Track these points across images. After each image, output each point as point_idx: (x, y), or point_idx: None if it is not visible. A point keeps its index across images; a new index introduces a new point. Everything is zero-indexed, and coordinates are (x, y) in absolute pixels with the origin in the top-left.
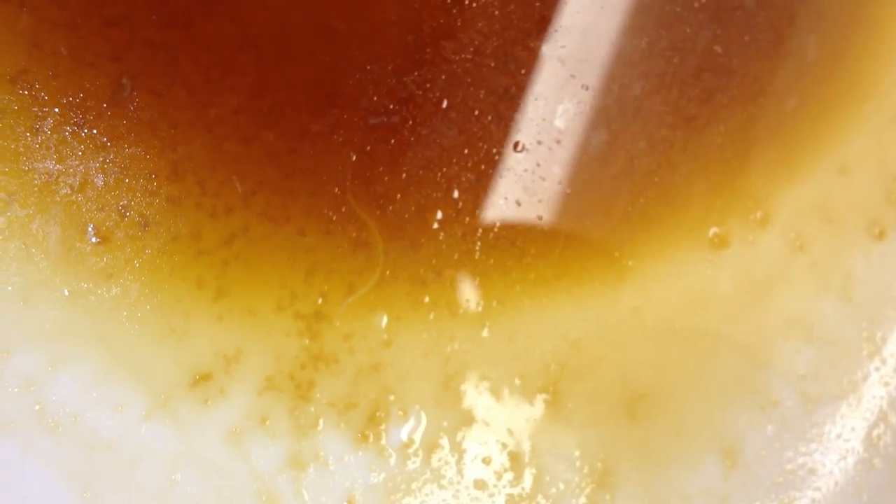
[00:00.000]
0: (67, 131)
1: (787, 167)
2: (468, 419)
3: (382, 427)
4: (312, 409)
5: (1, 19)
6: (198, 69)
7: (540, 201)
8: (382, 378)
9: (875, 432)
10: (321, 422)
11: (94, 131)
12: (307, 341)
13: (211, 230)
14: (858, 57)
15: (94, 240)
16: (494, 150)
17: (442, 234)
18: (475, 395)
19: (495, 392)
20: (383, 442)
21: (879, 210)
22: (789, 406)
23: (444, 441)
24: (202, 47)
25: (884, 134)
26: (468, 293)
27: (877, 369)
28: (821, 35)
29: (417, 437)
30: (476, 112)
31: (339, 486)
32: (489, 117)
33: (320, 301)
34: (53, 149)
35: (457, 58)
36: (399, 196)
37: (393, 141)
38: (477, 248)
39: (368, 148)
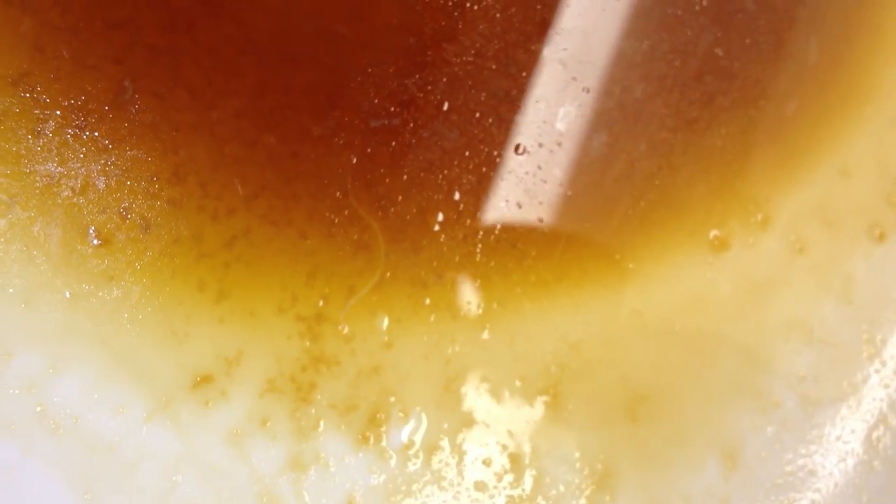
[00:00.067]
0: (69, 134)
1: (787, 170)
2: (469, 421)
3: (383, 429)
4: (313, 410)
5: (3, 22)
6: (200, 72)
7: (541, 204)
8: (383, 380)
9: (875, 434)
10: (322, 423)
11: (96, 134)
12: (308, 343)
13: (212, 233)
14: (859, 60)
15: (95, 242)
16: (495, 153)
17: (443, 236)
18: (476, 397)
19: (496, 394)
20: (384, 444)
21: (880, 212)
22: (789, 408)
23: (445, 443)
24: (204, 50)
25: (884, 136)
26: (469, 295)
27: (877, 371)
28: (822, 38)
29: (418, 438)
30: (477, 114)
31: (339, 487)
32: (490, 120)
33: (321, 303)
34: (55, 151)
35: (458, 60)
36: (400, 198)
37: (394, 143)
38: (478, 250)
39: (370, 150)
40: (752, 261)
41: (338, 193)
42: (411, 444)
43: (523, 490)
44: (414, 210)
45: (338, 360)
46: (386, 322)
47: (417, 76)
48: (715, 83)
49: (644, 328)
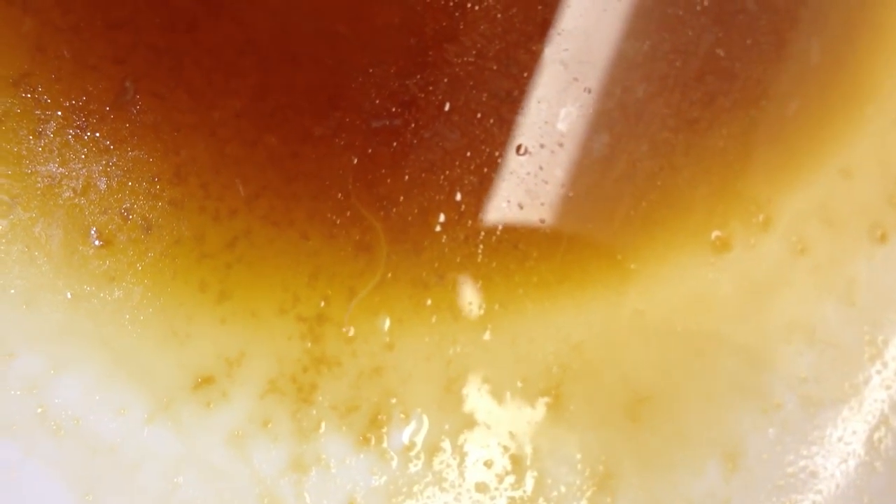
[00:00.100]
0: (70, 134)
1: (789, 170)
2: (470, 422)
3: (384, 430)
4: (314, 412)
5: (4, 22)
6: (201, 72)
7: (542, 204)
8: (384, 381)
9: (876, 435)
10: (323, 425)
11: (97, 134)
12: (309, 344)
13: (214, 233)
14: (861, 60)
15: (96, 243)
16: (497, 153)
17: (444, 237)
18: (477, 398)
19: (497, 395)
20: (385, 445)
21: (882, 213)
22: (791, 409)
23: (446, 444)
24: (205, 51)
25: (886, 137)
26: (471, 296)
27: (878, 372)
28: (823, 38)
29: (419, 440)
30: (478, 115)
31: (340, 488)
32: (491, 120)
33: (323, 304)
34: (56, 152)
35: (459, 61)
36: (402, 199)
37: (395, 144)
38: (479, 251)
39: (371, 151)
40: (754, 261)
41: (339, 194)
42: (412, 445)
43: (524, 491)
44: (415, 211)
45: (339, 361)
46: (387, 323)
47: (419, 76)
48: (716, 83)
49: (646, 329)
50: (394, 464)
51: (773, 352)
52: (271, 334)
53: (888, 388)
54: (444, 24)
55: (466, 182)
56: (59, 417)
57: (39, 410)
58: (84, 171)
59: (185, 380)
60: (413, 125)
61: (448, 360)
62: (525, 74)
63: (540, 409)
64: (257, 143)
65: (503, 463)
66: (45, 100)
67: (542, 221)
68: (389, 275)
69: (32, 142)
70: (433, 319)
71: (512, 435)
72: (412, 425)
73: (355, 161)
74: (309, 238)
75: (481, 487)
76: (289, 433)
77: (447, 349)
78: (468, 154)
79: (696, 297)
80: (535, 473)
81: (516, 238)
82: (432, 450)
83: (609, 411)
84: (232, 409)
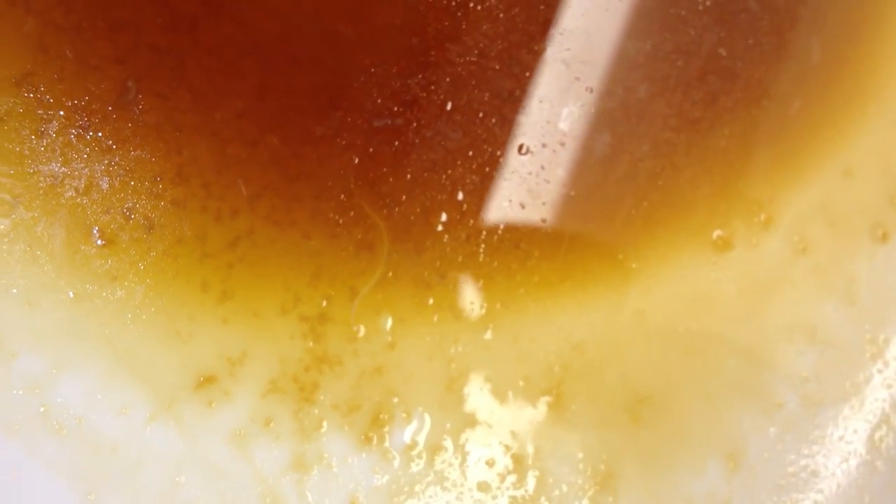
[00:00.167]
0: (73, 134)
1: (790, 170)
2: (471, 421)
3: (386, 429)
4: (316, 411)
5: (6, 22)
6: (203, 73)
7: (544, 204)
8: (386, 380)
9: (877, 435)
10: (325, 424)
11: (100, 134)
12: (311, 344)
13: (216, 233)
14: (862, 59)
15: (99, 242)
16: (499, 153)
17: (446, 236)
18: (479, 398)
19: (499, 394)
20: (387, 444)
21: (883, 213)
22: (792, 408)
23: (448, 443)
24: (207, 51)
25: (888, 136)
26: (472, 296)
27: (879, 372)
28: (825, 38)
29: (421, 439)
30: (480, 114)
31: (342, 488)
32: (493, 120)
33: (324, 304)
34: (59, 151)
35: (461, 60)
36: (404, 198)
37: (397, 143)
38: (481, 250)
39: (372, 150)
40: (756, 261)
41: (342, 195)
42: (414, 444)
43: (526, 491)
44: (417, 210)
45: (341, 361)
46: (389, 322)
47: (420, 76)
48: (718, 83)
49: (647, 328)
50: (396, 463)
51: (774, 351)
52: (273, 334)
53: (889, 387)
54: (446, 23)
55: (468, 181)
56: (61, 417)
57: (41, 410)
58: (86, 170)
59: (187, 379)
60: (415, 124)
61: (450, 359)
62: (527, 74)
63: (541, 408)
64: (259, 143)
65: (505, 462)
66: (48, 99)
67: (544, 221)
68: (391, 274)
69: (35, 141)
70: (435, 318)
71: (513, 434)
72: (414, 424)
73: (357, 161)
74: (311, 238)
75: (483, 487)
76: (291, 432)
77: (449, 348)
78: (470, 153)
79: (698, 296)
80: (537, 473)
81: (518, 237)
82: (434, 449)
83: (610, 411)
84: (234, 408)
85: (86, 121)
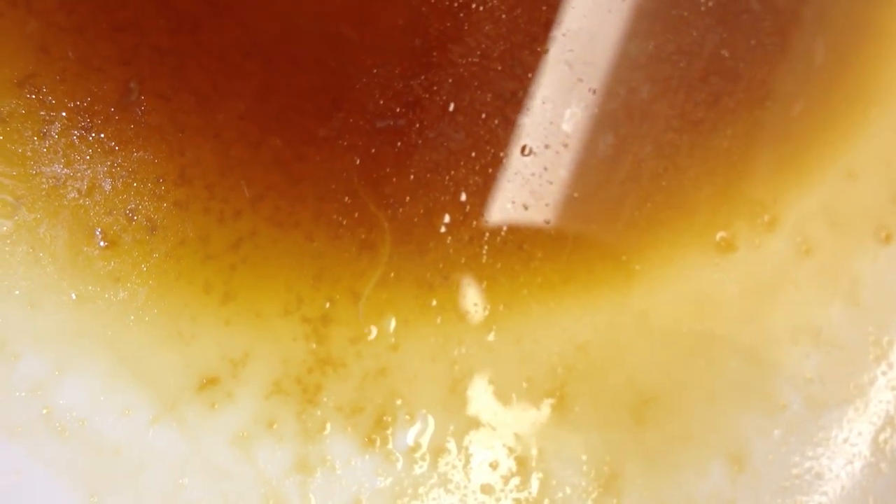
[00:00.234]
0: (75, 135)
1: (793, 171)
2: (475, 423)
3: (389, 431)
4: (319, 413)
5: (9, 23)
6: (205, 74)
7: (547, 205)
8: (389, 382)
9: (882, 436)
10: (328, 426)
11: (102, 135)
12: (314, 345)
13: (218, 234)
14: (866, 60)
15: (101, 244)
16: (501, 154)
17: (449, 237)
18: (482, 399)
19: (502, 396)
20: (390, 446)
21: (886, 214)
22: (796, 410)
23: (451, 445)
24: (209, 52)
25: (891, 139)
26: (475, 297)
27: (883, 373)
28: (828, 39)
29: (424, 441)
30: (483, 115)
31: (345, 490)
32: (496, 121)
33: (327, 305)
34: (61, 153)
35: (464, 61)
36: (407, 199)
37: (400, 144)
38: (484, 251)
39: (375, 151)
40: (759, 262)
41: (345, 196)
42: (418, 446)
43: (530, 493)
44: (420, 211)
45: (344, 363)
46: (393, 324)
47: (423, 77)
48: (720, 84)
49: (650, 330)
50: (399, 465)
51: (778, 352)
52: (276, 335)
53: (893, 388)
54: (449, 24)
55: (471, 182)
56: (63, 419)
57: (44, 412)
58: (89, 171)
59: (190, 381)
60: (418, 126)
61: (453, 360)
62: (529, 75)
63: (545, 409)
64: (262, 145)
65: (508, 464)
66: (50, 101)
67: (547, 222)
68: (394, 275)
69: (37, 143)
70: (438, 320)
71: (517, 436)
72: (417, 426)
73: (359, 162)
74: (314, 239)
75: (487, 489)
76: (294, 434)
77: (452, 350)
78: (473, 154)
79: (701, 297)
80: (541, 475)
81: (521, 239)
82: (437, 451)
83: (614, 412)
84: (237, 409)
85: (88, 122)
